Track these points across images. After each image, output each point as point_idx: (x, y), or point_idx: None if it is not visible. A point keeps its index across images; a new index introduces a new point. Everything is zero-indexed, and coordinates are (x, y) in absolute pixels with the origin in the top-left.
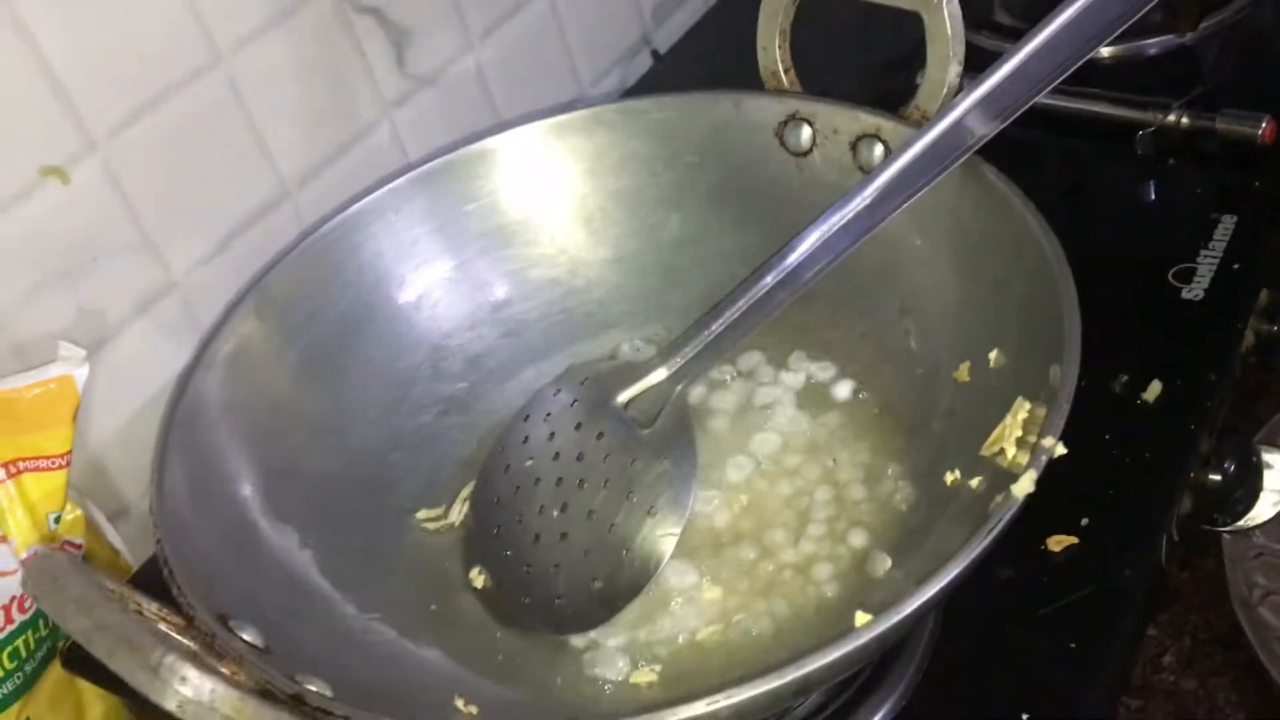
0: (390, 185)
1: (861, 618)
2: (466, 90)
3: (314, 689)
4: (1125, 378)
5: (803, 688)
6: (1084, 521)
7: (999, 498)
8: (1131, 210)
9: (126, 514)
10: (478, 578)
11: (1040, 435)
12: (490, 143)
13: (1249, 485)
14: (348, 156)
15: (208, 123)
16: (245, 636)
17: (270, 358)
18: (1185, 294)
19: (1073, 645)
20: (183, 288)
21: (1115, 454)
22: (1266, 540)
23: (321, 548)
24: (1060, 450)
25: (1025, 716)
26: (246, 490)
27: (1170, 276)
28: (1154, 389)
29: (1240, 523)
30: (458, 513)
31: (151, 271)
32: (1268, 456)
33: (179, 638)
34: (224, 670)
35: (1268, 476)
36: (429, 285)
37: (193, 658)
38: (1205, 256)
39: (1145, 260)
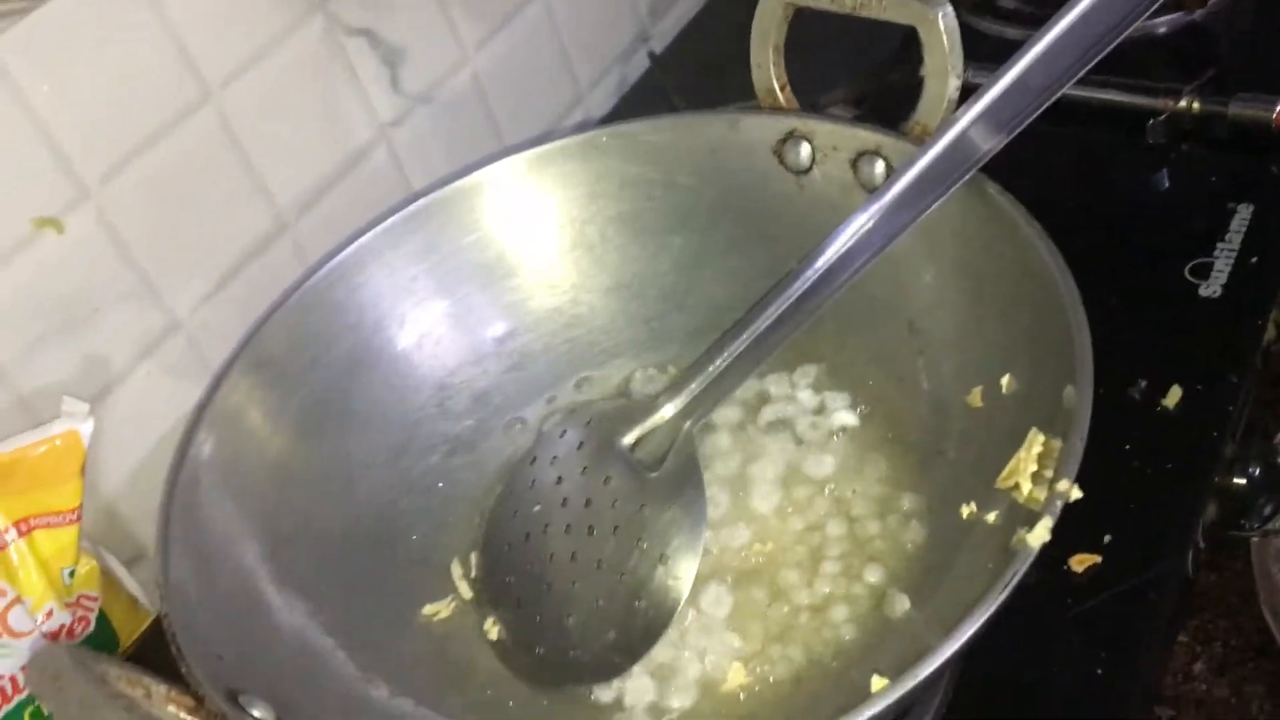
0: (385, 224)
1: (878, 683)
2: (464, 104)
3: None
4: (1144, 384)
5: None
6: (1106, 539)
7: (1017, 537)
8: (1145, 202)
9: (143, 558)
10: (492, 629)
11: (1055, 478)
12: (482, 175)
13: (1275, 488)
14: (345, 182)
15: (201, 161)
16: (256, 713)
17: (271, 413)
18: (1203, 291)
19: (1102, 656)
20: (186, 328)
21: (1136, 465)
22: None
23: (331, 611)
24: (1076, 494)
25: None
26: (252, 557)
27: (1187, 273)
28: (1174, 395)
29: (1267, 527)
30: (465, 587)
31: (152, 315)
32: None
33: (191, 718)
34: None
35: None
36: (431, 322)
37: None
38: (1222, 250)
39: (1160, 255)
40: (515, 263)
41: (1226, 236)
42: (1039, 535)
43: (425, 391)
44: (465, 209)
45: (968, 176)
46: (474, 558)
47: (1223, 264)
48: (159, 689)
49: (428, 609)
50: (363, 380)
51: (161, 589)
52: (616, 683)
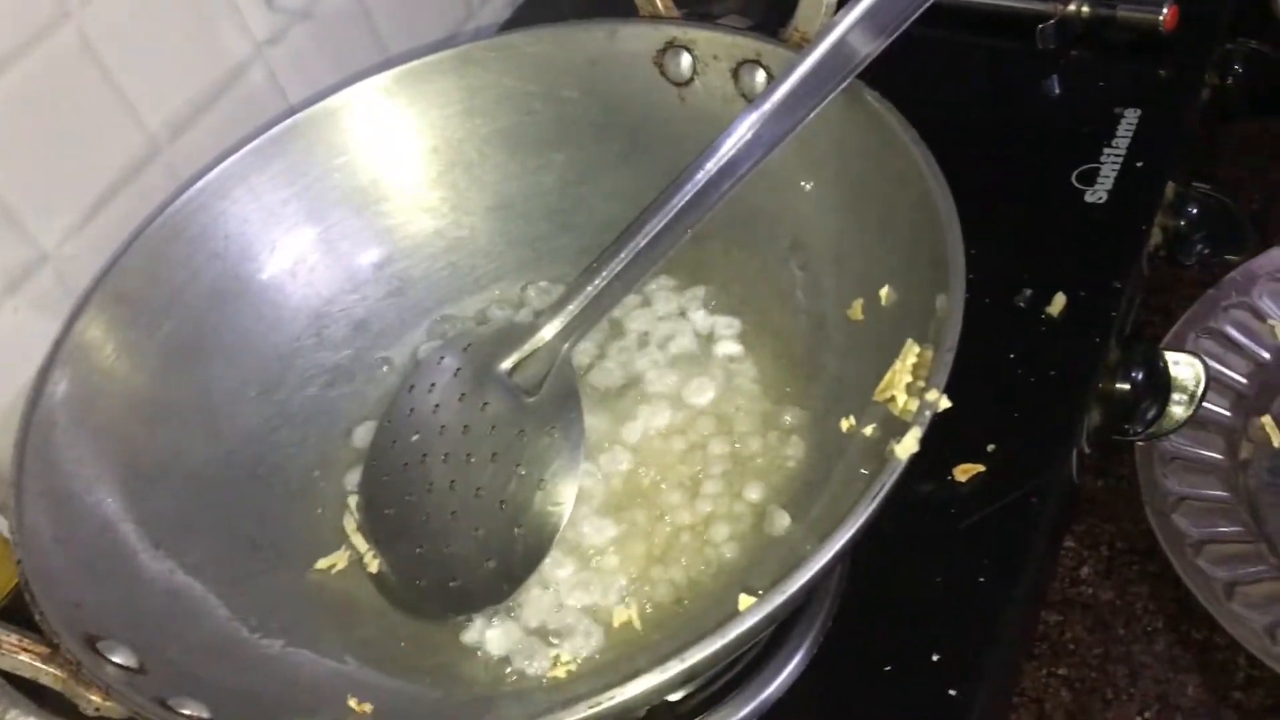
0: (247, 148)
1: (745, 600)
2: (346, 20)
3: (188, 713)
4: (1029, 292)
5: (689, 677)
6: (990, 448)
7: (887, 449)
8: (1033, 108)
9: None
10: (371, 562)
11: (925, 388)
12: (349, 94)
13: (1158, 392)
14: (221, 104)
15: (62, 83)
16: (116, 659)
17: (132, 347)
18: (1089, 197)
19: (987, 564)
20: (54, 261)
21: (1021, 373)
22: (1177, 446)
23: (201, 552)
24: (945, 404)
25: (935, 658)
26: (115, 499)
27: (1074, 179)
28: (1058, 303)
29: (1151, 430)
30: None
31: (16, 249)
32: (1174, 361)
33: (47, 668)
34: (95, 698)
35: (1175, 382)
36: (303, 249)
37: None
38: (1109, 155)
39: (1047, 162)
40: (390, 185)
41: (1113, 142)
42: (907, 446)
43: (300, 321)
44: (333, 130)
45: (846, 83)
46: (353, 492)
47: (1109, 169)
48: (9, 637)
49: (321, 563)
50: (231, 311)
51: (14, 534)
52: (493, 618)
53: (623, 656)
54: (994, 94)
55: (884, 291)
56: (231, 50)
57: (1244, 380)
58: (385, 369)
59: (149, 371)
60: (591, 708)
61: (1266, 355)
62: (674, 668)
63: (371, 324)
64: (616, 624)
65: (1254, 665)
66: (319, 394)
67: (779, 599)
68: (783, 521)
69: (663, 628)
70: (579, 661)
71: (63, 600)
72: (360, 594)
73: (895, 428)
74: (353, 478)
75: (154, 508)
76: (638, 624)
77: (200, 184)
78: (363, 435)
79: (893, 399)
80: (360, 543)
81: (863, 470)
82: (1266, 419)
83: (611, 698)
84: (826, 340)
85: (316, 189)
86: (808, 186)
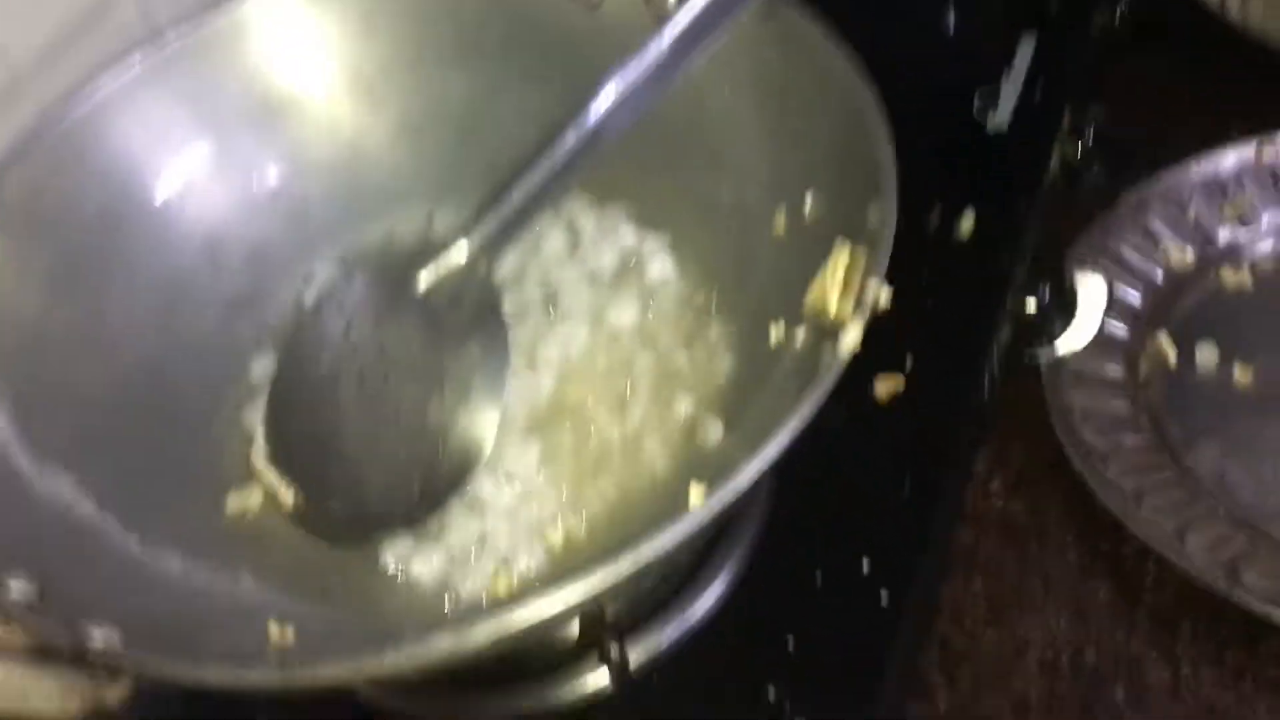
0: (132, 63)
1: (696, 492)
2: None
3: (98, 636)
4: (938, 212)
5: (643, 572)
6: (908, 362)
7: (827, 353)
8: (931, 36)
9: None
10: (286, 495)
11: (864, 282)
12: (243, 11)
13: (1064, 309)
14: (90, 37)
15: None
16: (12, 590)
17: (13, 273)
18: (990, 122)
19: (906, 488)
20: None
21: (934, 290)
22: (1080, 362)
23: (100, 478)
24: (886, 295)
25: (866, 563)
26: (3, 425)
27: (975, 103)
28: (966, 223)
29: (1056, 348)
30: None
31: None
32: (1080, 279)
33: None
34: None
35: (1081, 299)
36: (192, 172)
37: None
38: (1009, 79)
39: (948, 90)
40: (285, 106)
41: (1012, 66)
42: (849, 342)
43: (193, 248)
44: (223, 50)
45: None
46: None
47: (1009, 94)
48: None
49: (232, 501)
50: (121, 236)
51: None
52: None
53: (566, 570)
54: (889, 20)
55: (808, 200)
56: None
57: (1140, 300)
58: (302, 282)
59: (34, 297)
60: (552, 606)
61: (1160, 276)
62: (626, 560)
63: (269, 251)
64: (551, 541)
65: (1162, 568)
66: (217, 324)
67: (735, 488)
68: (716, 432)
69: (601, 543)
70: (518, 579)
71: None
72: (275, 525)
73: (828, 333)
74: (254, 410)
75: (46, 436)
76: (581, 533)
77: (80, 101)
78: (262, 369)
79: (823, 304)
80: (271, 477)
81: (798, 381)
82: (1162, 337)
83: (564, 597)
84: (750, 253)
85: (207, 109)
86: (726, 102)
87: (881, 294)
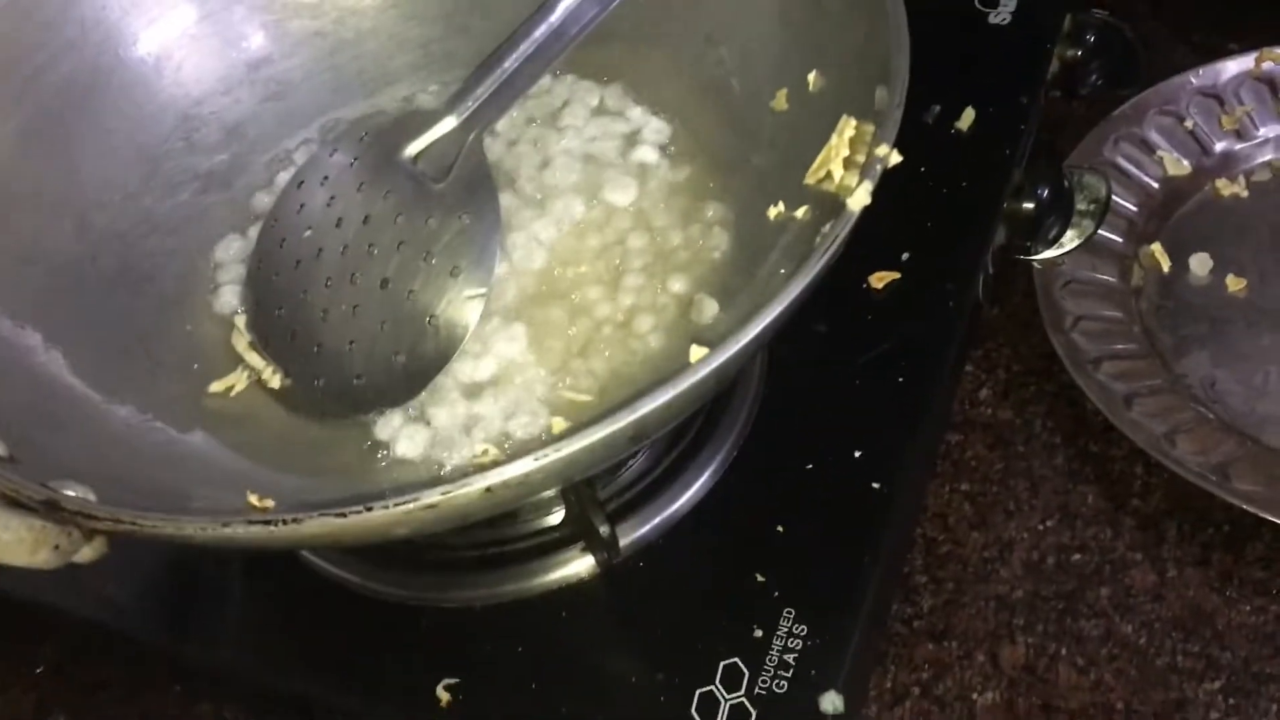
0: None
1: (697, 352)
2: None
3: (71, 494)
4: (938, 108)
5: (639, 433)
6: (904, 256)
7: (830, 224)
8: None
9: None
10: (272, 377)
11: (872, 146)
12: None
13: (1061, 211)
14: None
15: None
16: None
17: None
18: (992, 19)
19: (900, 381)
20: None
21: (931, 185)
22: (1074, 267)
23: (71, 345)
24: (895, 158)
25: (858, 454)
26: None
27: (976, 2)
28: (967, 117)
29: (1052, 250)
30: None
31: None
32: (1079, 177)
33: None
34: None
35: (1082, 193)
36: (169, 42)
37: None
38: None
39: None
40: None
41: None
42: (859, 199)
43: (167, 121)
44: None
45: None
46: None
47: None
48: None
49: (216, 386)
50: (92, 105)
51: None
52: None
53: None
54: None
55: (811, 77)
56: None
57: (1135, 209)
58: (280, 162)
59: (4, 155)
60: (538, 459)
61: (1155, 185)
62: (625, 418)
63: (247, 129)
64: (540, 420)
65: (1150, 472)
66: (191, 200)
67: (736, 346)
68: (711, 309)
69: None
70: (508, 445)
71: None
72: (258, 405)
73: (831, 208)
74: (227, 292)
75: (13, 300)
76: (571, 413)
77: None
78: (235, 249)
79: (828, 176)
80: (256, 360)
81: (799, 256)
82: (1156, 246)
83: (558, 449)
84: (749, 132)
85: None
86: None
87: (891, 157)
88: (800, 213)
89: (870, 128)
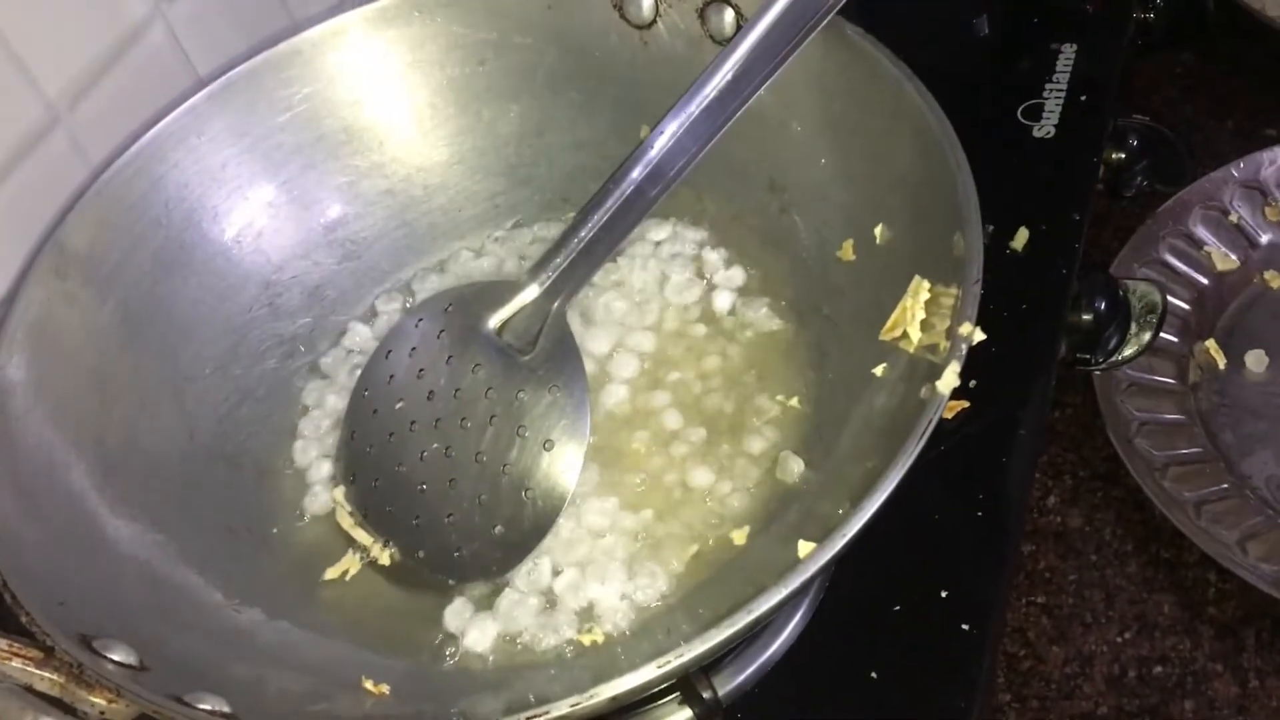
0: (186, 104)
1: (805, 547)
2: None
3: (207, 708)
4: (990, 228)
5: (752, 629)
6: (972, 384)
7: (923, 391)
8: (969, 49)
9: None
10: (382, 554)
11: (955, 322)
12: (294, 43)
13: (1119, 321)
14: (121, 66)
15: None
16: (115, 657)
17: (80, 321)
18: (1036, 133)
19: (982, 498)
20: None
21: (992, 308)
22: (1132, 374)
23: (181, 538)
24: (979, 336)
25: (944, 593)
26: (81, 484)
27: (1019, 115)
28: (1021, 237)
29: (1111, 360)
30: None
31: None
32: (1134, 289)
33: (42, 673)
34: (99, 700)
35: (1137, 307)
36: (249, 213)
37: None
38: (1051, 91)
39: (992, 100)
40: (336, 143)
41: (1054, 77)
42: (948, 381)
43: (250, 290)
44: (277, 83)
45: (828, 20)
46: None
47: (1053, 104)
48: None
49: (330, 572)
50: (179, 282)
51: None
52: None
53: (654, 618)
54: (925, 35)
55: (878, 230)
56: (128, 9)
57: (1187, 306)
58: (363, 321)
59: (102, 346)
60: (660, 667)
61: (1205, 281)
62: (741, 620)
63: (326, 290)
64: (632, 586)
65: (1223, 579)
66: (279, 366)
67: (841, 540)
68: (797, 467)
69: (684, 585)
70: (605, 633)
71: (46, 599)
72: (356, 571)
73: (909, 366)
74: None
75: (123, 493)
76: (663, 583)
77: (135, 148)
78: (321, 407)
79: (905, 336)
80: (364, 536)
81: (882, 414)
82: (1211, 342)
83: (680, 654)
84: (817, 281)
85: (258, 151)
86: (788, 129)
87: (975, 335)
88: (880, 369)
89: (944, 290)
